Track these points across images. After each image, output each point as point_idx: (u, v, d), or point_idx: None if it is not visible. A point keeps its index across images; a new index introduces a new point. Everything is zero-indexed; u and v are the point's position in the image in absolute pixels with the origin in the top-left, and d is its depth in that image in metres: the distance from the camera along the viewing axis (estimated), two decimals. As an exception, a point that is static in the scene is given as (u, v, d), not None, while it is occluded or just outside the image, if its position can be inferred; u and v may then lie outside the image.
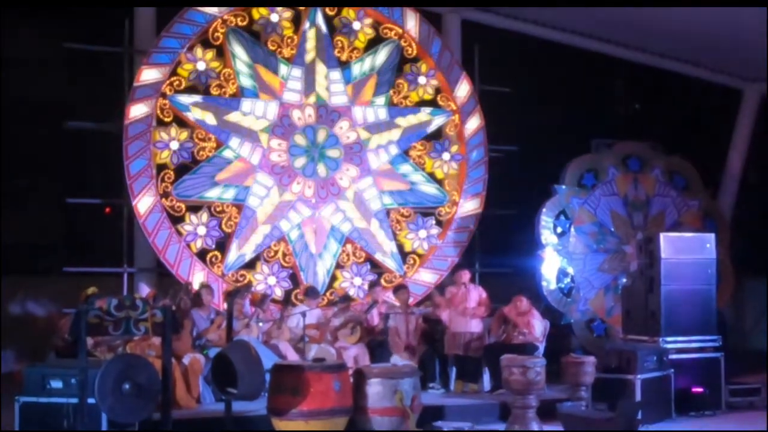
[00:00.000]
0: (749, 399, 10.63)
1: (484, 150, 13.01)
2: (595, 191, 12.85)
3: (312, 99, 12.37)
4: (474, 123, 13.03)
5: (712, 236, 10.93)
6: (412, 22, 12.87)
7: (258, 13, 12.17)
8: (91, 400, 7.51)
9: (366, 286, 12.29)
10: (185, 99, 11.80)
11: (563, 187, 12.76)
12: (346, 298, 11.72)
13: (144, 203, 11.45)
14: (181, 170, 11.78)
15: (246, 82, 12.09)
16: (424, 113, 12.91)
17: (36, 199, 12.50)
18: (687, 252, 10.61)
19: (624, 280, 12.21)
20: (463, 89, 13.03)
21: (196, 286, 11.09)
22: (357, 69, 12.66)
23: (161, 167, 11.66)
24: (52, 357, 9.61)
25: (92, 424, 7.65)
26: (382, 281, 12.35)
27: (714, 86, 14.47)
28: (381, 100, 12.70)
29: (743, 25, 11.97)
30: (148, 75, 11.58)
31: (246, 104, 12.06)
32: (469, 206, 12.89)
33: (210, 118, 11.88)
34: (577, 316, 12.47)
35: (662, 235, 10.66)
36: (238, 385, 8.10)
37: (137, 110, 11.51)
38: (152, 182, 11.52)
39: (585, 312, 12.52)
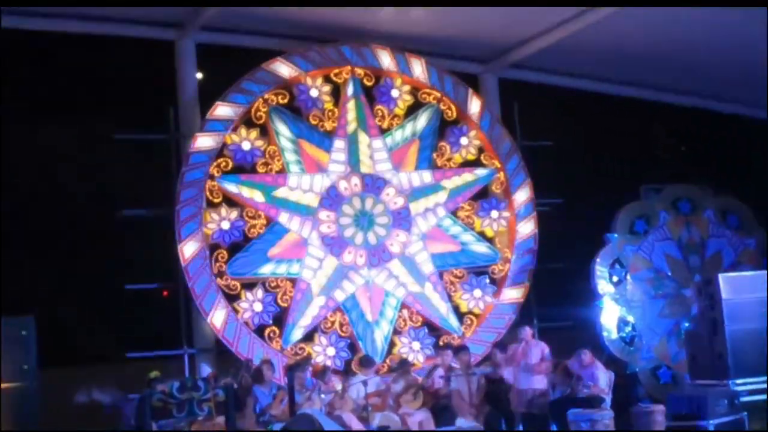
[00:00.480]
0: (828, 437, 10.31)
1: (532, 205, 13.01)
2: (648, 237, 12.75)
3: (357, 169, 12.50)
4: (519, 179, 13.06)
5: (771, 273, 10.78)
6: (449, 85, 13.02)
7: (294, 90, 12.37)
8: (160, 485, 7.55)
9: (426, 351, 12.25)
10: (233, 178, 12.00)
11: (615, 235, 12.68)
12: (404, 363, 11.63)
13: (200, 284, 11.58)
14: (234, 249, 11.92)
15: (291, 157, 12.27)
16: (469, 173, 12.98)
17: (96, 287, 12.70)
18: (748, 291, 10.50)
19: (686, 324, 12.02)
20: (505, 146, 13.11)
21: (256, 363, 11.12)
22: (399, 135, 12.80)
23: (214, 247, 11.82)
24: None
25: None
26: (441, 345, 12.25)
27: (757, 121, 14.37)
28: (425, 164, 12.81)
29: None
30: (197, 158, 11.82)
31: (293, 179, 12.22)
32: (521, 263, 12.84)
33: (258, 196, 12.04)
34: (641, 365, 12.27)
35: (721, 276, 10.57)
36: (305, 457, 8.09)
37: (187, 194, 11.73)
38: (206, 263, 11.67)
39: (649, 359, 12.32)
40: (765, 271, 11.00)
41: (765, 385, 10.20)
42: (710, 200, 13.17)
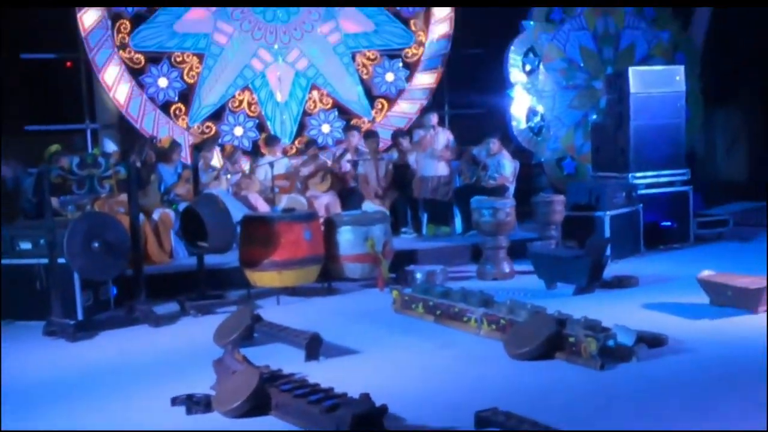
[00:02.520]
0: (717, 230, 10.79)
1: (450, -12, 12.63)
2: (563, 26, 12.56)
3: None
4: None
5: (681, 68, 10.80)
6: None
7: None
8: (61, 260, 7.49)
9: (336, 134, 12.18)
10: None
11: (531, 23, 12.46)
12: (311, 143, 11.54)
13: (101, 57, 11.11)
14: (138, 20, 11.39)
15: (198, -77, 11.55)
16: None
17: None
18: (656, 86, 10.50)
19: (594, 116, 12.13)
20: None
21: (161, 140, 10.91)
22: None
23: (116, 17, 11.26)
24: (21, 219, 9.52)
25: (65, 283, 7.63)
26: (348, 127, 12.16)
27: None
28: (341, -62, 12.21)
29: None
30: None
31: (200, -53, 11.57)
32: (436, 47, 12.60)
33: (163, -36, 11.42)
34: (547, 155, 12.43)
35: (631, 70, 10.51)
36: (208, 238, 8.10)
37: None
38: (108, 34, 11.15)
39: (555, 150, 12.47)
40: (674, 67, 11.02)
41: (662, 179, 10.50)
42: (629, -10, 12.96)
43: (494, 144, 10.84)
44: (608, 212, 9.51)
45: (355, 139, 11.44)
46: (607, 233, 9.38)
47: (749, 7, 11.92)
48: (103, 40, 11.11)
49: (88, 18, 11.04)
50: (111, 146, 11.51)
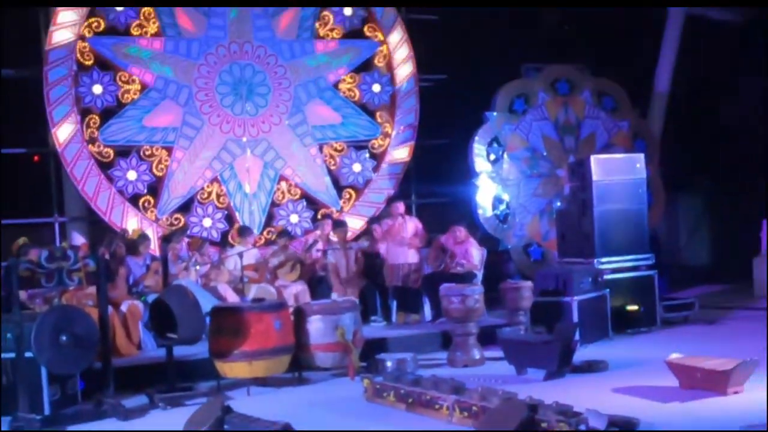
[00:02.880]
0: (683, 314, 10.92)
1: (414, 80, 12.93)
2: (526, 116, 12.91)
3: (237, 36, 12.10)
4: (402, 53, 12.92)
5: (641, 156, 11.08)
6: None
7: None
8: (29, 354, 7.40)
9: (304, 224, 12.27)
10: (106, 41, 11.48)
11: (494, 114, 12.79)
12: (284, 233, 11.61)
13: (70, 150, 11.18)
14: (107, 115, 11.51)
15: (167, 20, 11.77)
16: (352, 45, 12.74)
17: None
18: (617, 173, 10.76)
19: (558, 203, 12.36)
20: (390, 18, 12.87)
21: (131, 233, 10.92)
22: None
23: (85, 112, 11.38)
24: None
25: (32, 378, 7.52)
26: (320, 217, 12.25)
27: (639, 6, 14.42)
28: (307, 33, 12.49)
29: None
30: (65, 17, 11.22)
31: (169, 43, 11.77)
32: (402, 138, 12.85)
33: (132, 60, 11.58)
34: (513, 242, 12.61)
35: (593, 158, 10.78)
36: (177, 329, 8.06)
37: (56, 54, 11.16)
38: (78, 128, 11.25)
39: (521, 237, 12.66)
40: (634, 155, 11.29)
41: (627, 264, 10.64)
42: (588, 81, 13.36)
43: (461, 232, 11.00)
44: (576, 297, 9.60)
45: (328, 227, 11.54)
46: (576, 318, 9.45)
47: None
48: (72, 134, 11.19)
49: (58, 114, 11.13)
50: (79, 239, 11.49)
